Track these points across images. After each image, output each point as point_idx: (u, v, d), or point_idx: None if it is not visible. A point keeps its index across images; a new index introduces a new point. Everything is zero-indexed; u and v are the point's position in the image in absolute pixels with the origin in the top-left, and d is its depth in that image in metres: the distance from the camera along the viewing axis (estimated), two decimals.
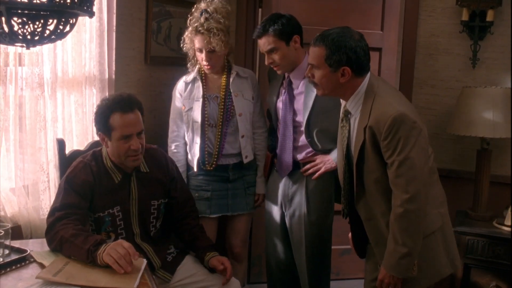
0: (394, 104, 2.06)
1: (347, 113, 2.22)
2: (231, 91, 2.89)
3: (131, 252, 1.96)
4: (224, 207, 2.95)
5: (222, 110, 2.87)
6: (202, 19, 2.76)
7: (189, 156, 2.93)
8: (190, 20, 2.83)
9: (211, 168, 2.89)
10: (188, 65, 2.95)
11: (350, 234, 2.45)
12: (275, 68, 2.77)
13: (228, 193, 2.95)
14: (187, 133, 2.93)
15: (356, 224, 2.32)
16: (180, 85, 2.93)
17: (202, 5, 2.83)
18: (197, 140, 2.87)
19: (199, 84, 2.88)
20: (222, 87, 2.89)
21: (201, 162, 2.89)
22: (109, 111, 2.27)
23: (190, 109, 2.87)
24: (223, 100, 2.87)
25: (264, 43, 2.71)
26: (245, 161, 2.96)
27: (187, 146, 2.95)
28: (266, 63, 2.76)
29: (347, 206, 2.32)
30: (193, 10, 2.86)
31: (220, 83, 2.90)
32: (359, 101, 2.14)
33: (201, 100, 2.85)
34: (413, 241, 2.06)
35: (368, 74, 2.15)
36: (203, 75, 2.91)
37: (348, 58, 2.06)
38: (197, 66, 2.92)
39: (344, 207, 2.34)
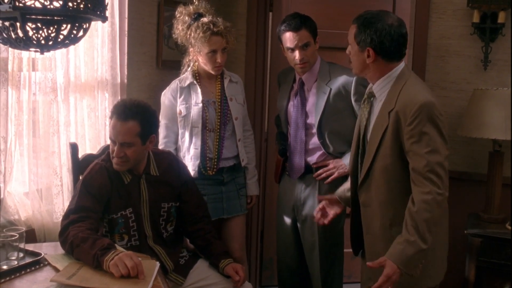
0: (424, 93, 2.05)
1: (370, 96, 2.20)
2: (227, 95, 2.89)
3: (139, 270, 1.94)
4: (219, 210, 2.94)
5: (219, 114, 2.87)
6: (206, 21, 2.74)
7: (185, 161, 2.85)
8: (188, 27, 2.76)
9: (213, 173, 2.88)
10: (183, 69, 2.94)
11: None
12: (300, 66, 2.72)
13: (222, 196, 2.94)
14: (182, 139, 2.90)
15: (356, 214, 2.29)
16: (173, 89, 2.89)
17: (190, 9, 2.80)
18: (197, 145, 2.84)
19: (196, 88, 2.86)
20: (217, 92, 2.89)
21: (202, 167, 2.87)
22: (111, 113, 2.34)
23: (188, 114, 2.85)
24: (219, 104, 2.88)
25: (301, 37, 2.67)
26: (243, 164, 2.97)
27: (181, 151, 2.91)
28: (298, 57, 2.69)
29: (353, 192, 2.29)
30: (178, 16, 2.81)
31: (214, 88, 2.90)
32: (388, 84, 2.12)
33: (200, 105, 2.83)
34: (431, 235, 1.98)
35: (402, 64, 2.15)
36: (197, 79, 2.90)
37: (371, 40, 2.07)
38: (191, 71, 2.90)
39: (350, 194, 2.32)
